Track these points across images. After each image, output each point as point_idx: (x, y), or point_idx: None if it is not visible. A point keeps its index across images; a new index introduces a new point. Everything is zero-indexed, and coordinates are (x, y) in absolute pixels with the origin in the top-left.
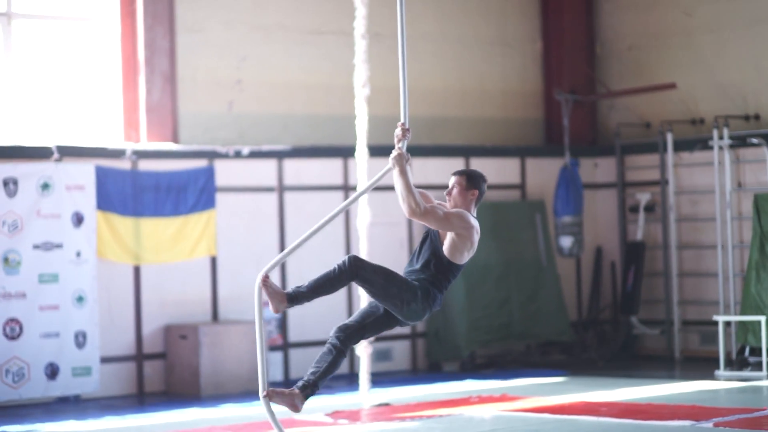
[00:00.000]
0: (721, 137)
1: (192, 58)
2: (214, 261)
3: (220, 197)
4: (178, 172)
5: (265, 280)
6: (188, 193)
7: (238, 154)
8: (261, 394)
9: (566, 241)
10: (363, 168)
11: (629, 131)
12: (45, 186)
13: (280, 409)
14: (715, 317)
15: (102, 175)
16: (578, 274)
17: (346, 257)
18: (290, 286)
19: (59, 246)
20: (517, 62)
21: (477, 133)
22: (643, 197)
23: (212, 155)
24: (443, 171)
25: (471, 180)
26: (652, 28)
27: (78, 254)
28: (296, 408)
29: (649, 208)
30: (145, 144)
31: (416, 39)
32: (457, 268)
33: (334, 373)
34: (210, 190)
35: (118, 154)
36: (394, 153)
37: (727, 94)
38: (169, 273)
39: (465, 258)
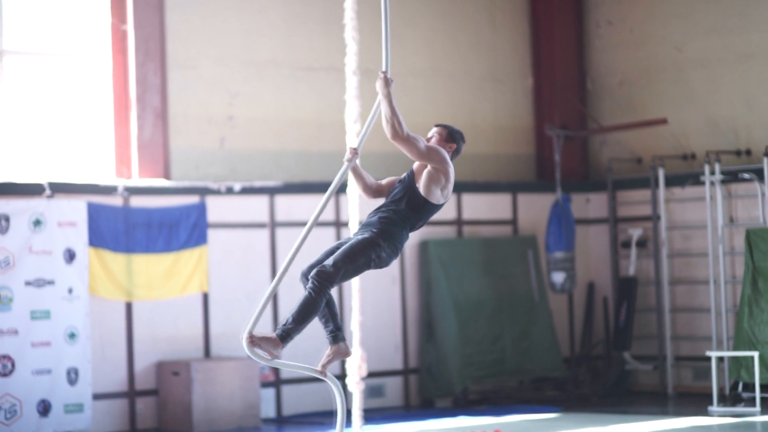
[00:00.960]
0: (712, 172)
1: (183, 94)
2: (206, 297)
3: (211, 233)
4: (170, 209)
5: (251, 338)
6: (180, 229)
7: (229, 191)
8: (244, 336)
9: (558, 277)
10: (355, 204)
11: (621, 167)
12: (37, 222)
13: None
14: (708, 353)
15: (94, 211)
16: (570, 310)
17: (311, 277)
18: (274, 325)
19: (51, 282)
20: (509, 98)
21: (468, 168)
22: (635, 232)
23: (204, 191)
24: None
25: (451, 134)
26: (643, 63)
27: (70, 291)
28: (274, 356)
29: (641, 244)
30: (137, 180)
31: (407, 75)
32: (431, 207)
33: (313, 318)
34: (202, 226)
35: (109, 190)
36: (379, 78)
37: (718, 129)
38: (162, 309)
39: (439, 196)
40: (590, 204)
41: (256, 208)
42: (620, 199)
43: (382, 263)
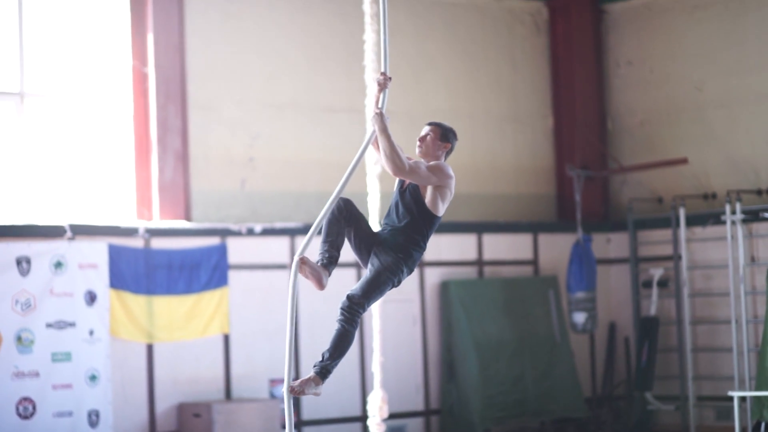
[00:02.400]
0: (733, 212)
1: (204, 136)
2: (227, 339)
3: (232, 275)
4: (191, 250)
5: (303, 260)
6: (201, 270)
7: (250, 232)
8: (295, 259)
9: (580, 317)
10: None
11: (642, 206)
12: (58, 264)
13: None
14: (730, 393)
15: (115, 253)
16: (592, 350)
17: (341, 309)
18: (308, 367)
19: (72, 324)
20: (529, 138)
21: (489, 209)
22: (657, 272)
23: (225, 233)
24: (456, 248)
25: (445, 134)
26: (664, 103)
27: (91, 333)
28: (321, 285)
29: (663, 284)
30: (158, 222)
31: (427, 115)
32: (436, 221)
33: (348, 349)
34: (223, 267)
35: (130, 232)
36: (374, 113)
37: (739, 169)
38: (183, 351)
39: (443, 209)
40: (611, 244)
41: (277, 249)
42: (641, 239)
43: (396, 285)
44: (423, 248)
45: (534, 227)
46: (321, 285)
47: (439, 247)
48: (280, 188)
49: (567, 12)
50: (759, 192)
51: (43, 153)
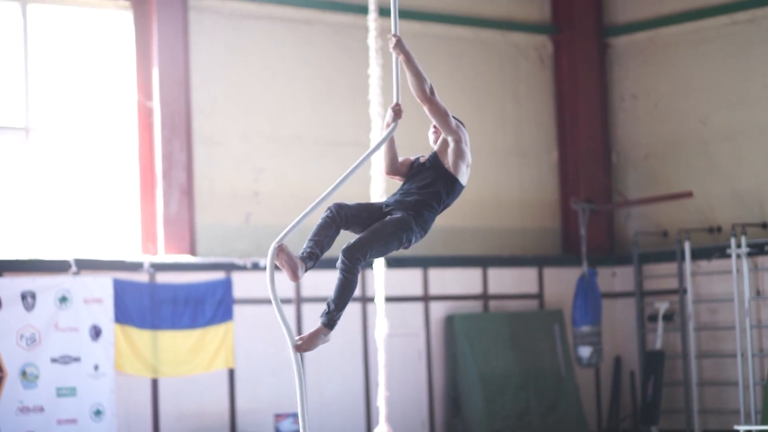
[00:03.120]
0: (738, 245)
1: (209, 170)
2: (232, 373)
3: (237, 309)
4: (196, 285)
5: (281, 248)
6: (206, 305)
7: (255, 266)
8: (273, 245)
9: (585, 351)
10: (381, 279)
11: (647, 240)
12: (63, 299)
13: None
14: (737, 427)
15: (120, 287)
16: (597, 384)
17: (342, 257)
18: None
19: (77, 359)
20: (534, 172)
21: (494, 242)
22: (662, 306)
23: (230, 267)
24: (461, 282)
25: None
26: (668, 136)
27: (96, 367)
28: (295, 276)
29: (668, 317)
30: (163, 256)
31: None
32: (458, 186)
33: (351, 296)
34: (228, 302)
35: (135, 266)
36: (392, 41)
37: (744, 202)
38: (188, 386)
39: (465, 174)
40: (616, 277)
41: (282, 283)
42: (646, 273)
43: (409, 245)
44: (436, 210)
45: (539, 261)
46: (295, 276)
47: (444, 281)
48: (285, 222)
49: (571, 46)
50: (764, 225)
51: (49, 187)
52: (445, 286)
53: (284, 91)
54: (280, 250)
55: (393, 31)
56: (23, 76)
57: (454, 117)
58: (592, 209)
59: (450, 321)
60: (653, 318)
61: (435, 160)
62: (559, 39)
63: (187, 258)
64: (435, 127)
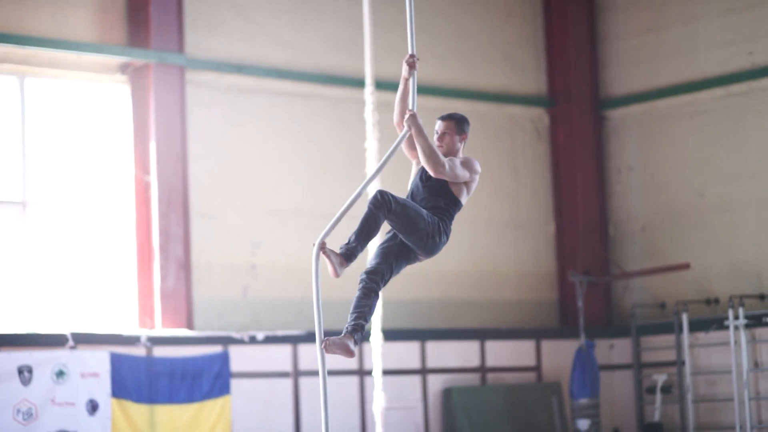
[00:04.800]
0: (736, 317)
1: (206, 243)
2: None
3: (235, 383)
4: (193, 358)
5: (323, 248)
6: (203, 379)
7: (253, 340)
8: (319, 345)
9: (583, 424)
10: (378, 352)
11: (644, 312)
12: (60, 373)
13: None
14: None
15: (117, 361)
16: None
17: (375, 192)
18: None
19: None
20: (531, 244)
21: (492, 315)
22: (660, 378)
23: (227, 341)
24: (459, 354)
25: (459, 124)
26: (665, 208)
27: None
28: (350, 352)
29: (666, 389)
30: (160, 330)
31: None
32: (460, 208)
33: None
34: (225, 375)
35: (132, 340)
36: (407, 115)
37: (741, 274)
38: None
39: (466, 198)
40: (614, 350)
41: (280, 357)
42: (644, 345)
43: (427, 245)
44: (447, 227)
45: (536, 333)
46: (336, 272)
47: (441, 353)
48: (283, 296)
49: (568, 118)
50: (762, 297)
51: (45, 261)
52: (442, 358)
53: (281, 164)
54: (323, 246)
55: (410, 107)
56: (20, 150)
57: (458, 124)
58: (589, 281)
59: (448, 394)
60: (651, 390)
61: (440, 180)
62: (555, 111)
63: (184, 332)
64: (439, 139)
